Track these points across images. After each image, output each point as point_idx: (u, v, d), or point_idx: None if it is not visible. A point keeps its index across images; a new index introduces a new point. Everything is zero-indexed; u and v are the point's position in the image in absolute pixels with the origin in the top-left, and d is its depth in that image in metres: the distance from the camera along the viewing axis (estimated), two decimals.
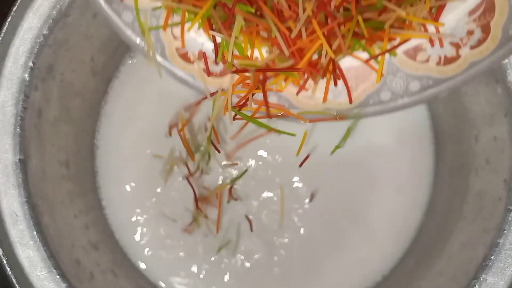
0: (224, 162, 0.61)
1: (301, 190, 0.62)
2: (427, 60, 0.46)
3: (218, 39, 0.44)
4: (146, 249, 0.62)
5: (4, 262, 0.46)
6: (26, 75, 0.49)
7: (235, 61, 0.45)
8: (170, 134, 0.60)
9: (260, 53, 0.45)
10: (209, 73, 0.48)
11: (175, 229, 0.62)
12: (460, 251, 0.52)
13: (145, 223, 0.62)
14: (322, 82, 0.46)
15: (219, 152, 0.55)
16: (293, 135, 0.49)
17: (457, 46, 0.45)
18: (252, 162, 0.62)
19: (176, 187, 0.62)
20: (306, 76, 0.46)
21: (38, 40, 0.49)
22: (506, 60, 0.48)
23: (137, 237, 0.62)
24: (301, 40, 0.42)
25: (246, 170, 0.61)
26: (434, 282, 0.54)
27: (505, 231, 0.48)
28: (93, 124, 0.63)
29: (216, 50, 0.45)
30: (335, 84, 0.46)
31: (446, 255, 0.54)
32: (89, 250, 0.55)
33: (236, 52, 0.45)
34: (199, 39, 0.47)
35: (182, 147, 0.55)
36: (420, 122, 0.64)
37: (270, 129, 0.47)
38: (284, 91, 0.48)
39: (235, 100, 0.46)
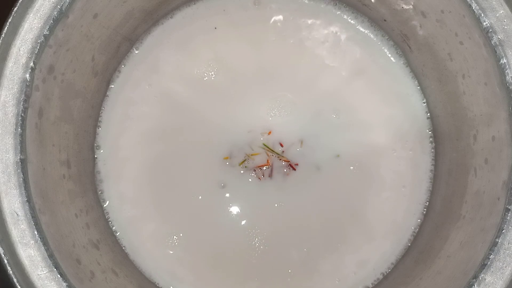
0: None
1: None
2: None
3: None
4: (147, 248, 0.62)
5: (5, 261, 0.46)
6: (27, 75, 0.49)
7: None
8: None
9: None
10: None
11: (176, 228, 0.62)
12: (458, 251, 0.53)
13: (145, 222, 0.62)
14: None
15: None
16: None
17: None
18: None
19: (177, 186, 0.63)
20: None
21: (39, 41, 0.49)
22: (504, 60, 0.48)
23: (137, 236, 0.62)
24: None
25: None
26: (433, 281, 0.54)
27: (503, 231, 0.47)
28: (94, 124, 0.63)
29: None
30: None
31: (444, 254, 0.55)
32: (90, 249, 0.55)
33: None
34: None
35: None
36: (419, 122, 0.64)
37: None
38: None
39: None
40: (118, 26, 0.59)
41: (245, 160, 0.62)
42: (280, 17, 0.65)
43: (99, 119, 0.63)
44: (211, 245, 0.62)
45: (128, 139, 0.63)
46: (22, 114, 0.49)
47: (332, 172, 0.62)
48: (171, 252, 0.62)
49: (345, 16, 0.65)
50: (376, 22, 0.64)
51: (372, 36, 0.65)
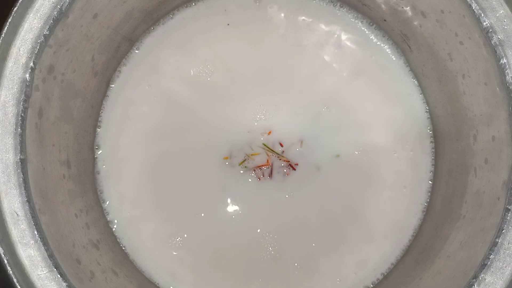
0: None
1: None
2: None
3: None
4: (147, 248, 0.62)
5: (5, 261, 0.46)
6: (27, 75, 0.49)
7: None
8: None
9: None
10: None
11: (176, 228, 0.62)
12: (458, 251, 0.53)
13: (145, 222, 0.62)
14: None
15: None
16: None
17: None
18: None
19: (177, 187, 0.63)
20: None
21: (39, 41, 0.49)
22: (504, 60, 0.48)
23: (137, 236, 0.62)
24: None
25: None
26: (433, 281, 0.54)
27: (503, 231, 0.48)
28: (94, 124, 0.63)
29: None
30: None
31: (444, 254, 0.55)
32: (90, 249, 0.55)
33: None
34: None
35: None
36: (419, 122, 0.64)
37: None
38: None
39: None
40: (118, 26, 0.59)
41: (245, 160, 0.62)
42: (281, 17, 0.65)
43: (99, 119, 0.63)
44: (210, 245, 0.62)
45: (128, 139, 0.63)
46: (22, 114, 0.49)
47: (332, 172, 0.62)
48: (171, 251, 0.62)
49: (345, 16, 0.65)
50: (376, 22, 0.64)
51: (372, 36, 0.65)
